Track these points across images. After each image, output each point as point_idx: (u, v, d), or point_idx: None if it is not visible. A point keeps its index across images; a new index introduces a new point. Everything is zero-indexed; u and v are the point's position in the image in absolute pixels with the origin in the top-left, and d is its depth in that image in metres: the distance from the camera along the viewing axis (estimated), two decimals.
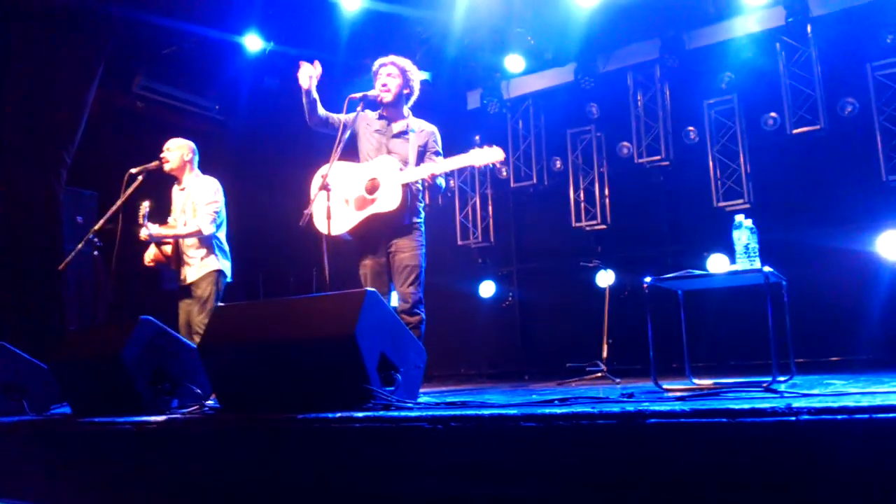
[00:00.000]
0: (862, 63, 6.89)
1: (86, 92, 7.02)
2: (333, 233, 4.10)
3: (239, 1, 7.63)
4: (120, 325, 3.77)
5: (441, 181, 4.22)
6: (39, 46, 6.69)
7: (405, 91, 4.36)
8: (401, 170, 4.12)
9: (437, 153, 4.30)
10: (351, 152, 4.44)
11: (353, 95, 4.23)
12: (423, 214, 4.33)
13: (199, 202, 5.07)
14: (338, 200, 4.19)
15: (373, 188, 4.13)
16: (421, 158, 4.26)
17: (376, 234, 4.19)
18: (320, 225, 4.18)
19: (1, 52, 6.54)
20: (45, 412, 4.29)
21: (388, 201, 4.06)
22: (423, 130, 4.33)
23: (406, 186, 4.09)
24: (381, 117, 4.40)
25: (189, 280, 5.03)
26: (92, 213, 7.47)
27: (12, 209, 6.53)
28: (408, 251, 4.17)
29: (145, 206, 4.89)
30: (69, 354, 3.91)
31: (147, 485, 3.02)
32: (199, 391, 3.64)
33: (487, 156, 4.02)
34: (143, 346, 3.60)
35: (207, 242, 5.05)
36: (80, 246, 5.06)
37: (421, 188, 4.28)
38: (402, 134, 4.30)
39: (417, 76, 4.43)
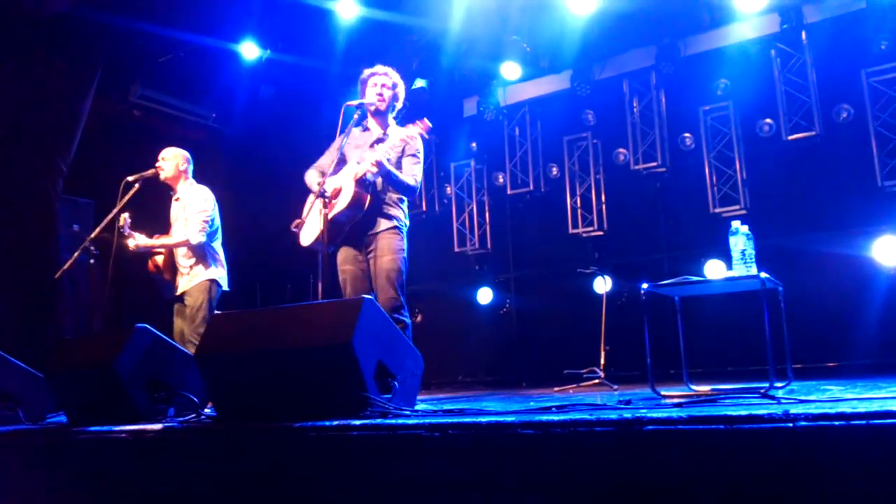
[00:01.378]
0: (856, 69, 6.93)
1: (82, 100, 7.01)
2: (308, 243, 4.14)
3: (235, 9, 7.64)
4: (115, 333, 3.75)
5: (400, 176, 4.12)
6: (35, 55, 6.69)
7: (395, 103, 4.40)
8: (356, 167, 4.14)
9: (413, 155, 4.24)
10: None
11: (349, 103, 4.24)
12: (402, 221, 4.25)
13: (189, 211, 5.07)
14: (316, 214, 4.20)
15: (336, 194, 4.14)
16: (398, 162, 4.24)
17: (348, 237, 4.17)
18: (302, 237, 4.23)
19: None
20: (41, 421, 4.26)
21: (342, 200, 4.07)
22: (402, 136, 4.30)
23: (359, 183, 4.06)
24: (364, 129, 4.40)
25: (181, 289, 5.03)
26: (88, 221, 7.46)
27: (8, 217, 6.51)
28: (385, 255, 4.10)
29: (125, 218, 4.89)
30: (65, 363, 3.90)
31: (143, 494, 3.00)
32: (195, 399, 3.62)
33: (417, 128, 4.08)
34: (138, 354, 3.58)
35: (199, 251, 5.04)
36: (76, 254, 5.05)
37: (394, 192, 4.23)
38: (379, 141, 4.30)
39: (404, 91, 4.47)
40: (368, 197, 4.09)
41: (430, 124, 4.12)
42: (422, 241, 4.34)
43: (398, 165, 4.21)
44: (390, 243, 4.14)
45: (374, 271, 4.12)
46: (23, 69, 6.62)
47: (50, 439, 3.47)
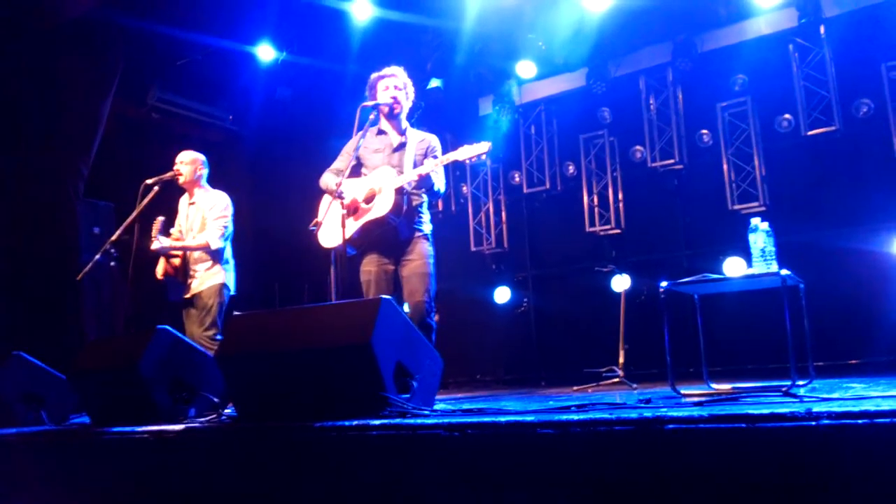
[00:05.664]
0: (876, 63, 6.84)
1: (101, 104, 7.08)
2: (334, 245, 4.14)
3: (252, 11, 7.68)
4: (137, 335, 3.79)
5: (439, 185, 4.19)
6: (55, 60, 6.76)
7: (406, 103, 4.41)
8: (396, 177, 4.15)
9: (435, 157, 4.28)
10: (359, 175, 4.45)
11: (365, 104, 4.25)
12: (430, 227, 4.32)
13: (208, 216, 5.12)
14: (336, 216, 4.21)
15: (370, 198, 4.16)
16: (420, 164, 4.26)
17: (376, 242, 4.20)
18: (322, 238, 4.22)
19: (18, 65, 6.62)
20: (64, 422, 4.32)
21: (381, 207, 4.09)
22: (423, 140, 4.34)
23: (399, 192, 4.09)
24: (380, 132, 4.39)
25: (192, 292, 5.08)
26: (109, 223, 7.53)
27: (30, 221, 6.60)
28: (418, 259, 4.17)
29: (159, 221, 4.97)
30: (87, 365, 3.94)
31: (165, 493, 3.03)
32: (216, 400, 3.65)
33: (473, 150, 4.04)
34: (160, 355, 3.62)
35: (213, 255, 5.11)
36: (97, 256, 5.11)
37: (423, 199, 4.28)
38: (402, 146, 4.31)
39: (413, 89, 4.49)
40: (405, 206, 4.14)
41: (490, 145, 4.09)
42: (438, 240, 4.35)
43: (418, 165, 4.24)
44: (422, 249, 4.21)
45: (406, 275, 4.16)
46: (43, 73, 6.69)
47: (73, 440, 3.51)
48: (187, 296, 5.09)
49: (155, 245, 4.97)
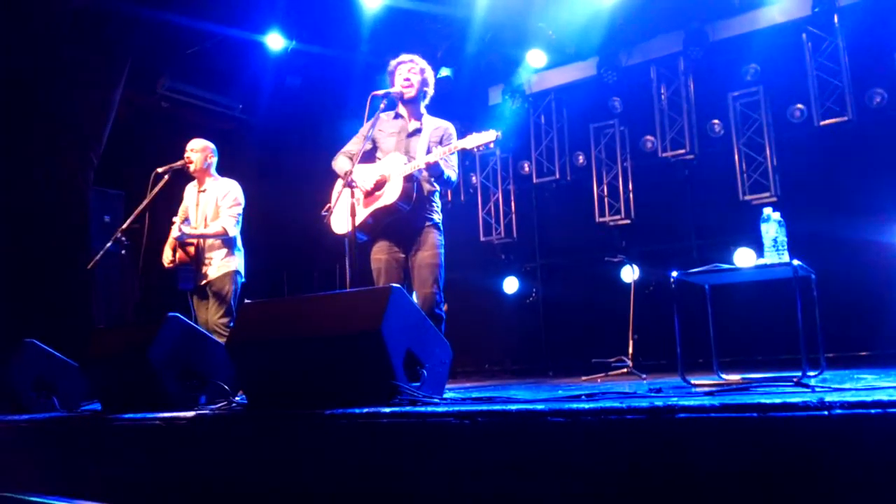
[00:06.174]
0: (890, 53, 6.78)
1: (112, 93, 7.10)
2: (344, 231, 4.12)
3: (261, 0, 7.67)
4: (148, 322, 3.81)
5: (449, 173, 4.16)
6: (66, 49, 6.77)
7: (424, 89, 4.38)
8: (405, 164, 4.13)
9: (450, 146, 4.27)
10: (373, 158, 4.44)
11: (376, 93, 4.23)
12: (440, 216, 4.31)
13: (222, 203, 5.14)
14: (348, 202, 4.20)
15: (380, 184, 4.14)
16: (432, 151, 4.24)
17: (388, 229, 4.19)
18: (334, 225, 4.22)
19: (28, 55, 6.63)
20: (76, 409, 4.34)
21: (390, 194, 4.07)
22: (439, 127, 4.32)
23: (408, 179, 4.07)
24: (396, 116, 4.38)
25: (207, 279, 5.09)
26: (119, 212, 7.57)
27: (41, 210, 6.63)
28: (428, 250, 4.15)
29: (184, 210, 4.99)
30: (99, 352, 3.96)
31: (175, 480, 3.05)
32: (226, 387, 3.66)
33: (481, 138, 4.00)
34: (170, 343, 3.63)
35: (227, 242, 5.13)
36: (107, 245, 5.12)
37: (435, 188, 4.26)
38: (417, 132, 4.30)
39: (433, 77, 4.44)
40: (415, 193, 4.12)
41: (498, 134, 4.07)
42: (447, 230, 4.34)
43: (430, 152, 4.22)
44: (432, 238, 4.19)
45: (416, 265, 4.15)
46: (54, 63, 6.71)
47: (84, 426, 3.53)
48: (202, 283, 5.10)
49: (175, 233, 5.00)
